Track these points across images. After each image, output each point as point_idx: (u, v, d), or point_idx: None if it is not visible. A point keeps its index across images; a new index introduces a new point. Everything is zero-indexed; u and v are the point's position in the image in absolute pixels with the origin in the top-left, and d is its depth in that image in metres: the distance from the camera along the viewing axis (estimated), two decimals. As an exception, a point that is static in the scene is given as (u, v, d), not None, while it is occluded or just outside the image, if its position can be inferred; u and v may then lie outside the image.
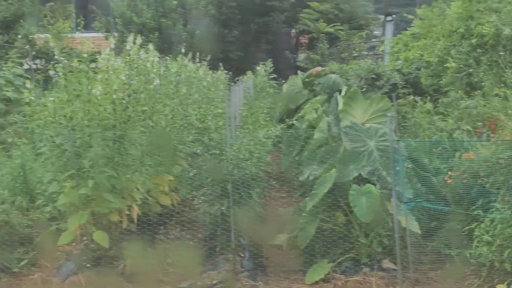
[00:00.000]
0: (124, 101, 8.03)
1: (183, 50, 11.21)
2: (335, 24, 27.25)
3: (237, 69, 24.21)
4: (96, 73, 8.25)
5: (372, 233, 7.96)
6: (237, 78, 20.01)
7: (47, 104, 8.18)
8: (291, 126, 13.49)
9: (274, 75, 22.48)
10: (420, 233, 7.59)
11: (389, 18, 23.84)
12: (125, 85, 8.05)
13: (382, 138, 8.17)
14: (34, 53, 22.48)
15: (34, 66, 21.98)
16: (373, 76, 14.38)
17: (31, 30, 23.16)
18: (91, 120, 7.90)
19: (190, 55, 11.71)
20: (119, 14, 26.33)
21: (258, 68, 22.73)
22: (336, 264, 7.95)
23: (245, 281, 7.97)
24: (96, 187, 7.74)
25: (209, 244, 8.58)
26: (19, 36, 22.65)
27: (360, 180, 8.00)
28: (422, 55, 14.29)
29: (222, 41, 26.86)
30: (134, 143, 8.20)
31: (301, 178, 9.12)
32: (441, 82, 12.61)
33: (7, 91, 16.35)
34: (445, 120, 10.20)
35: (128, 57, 8.38)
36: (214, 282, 7.92)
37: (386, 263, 7.89)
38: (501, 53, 11.46)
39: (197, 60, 12.92)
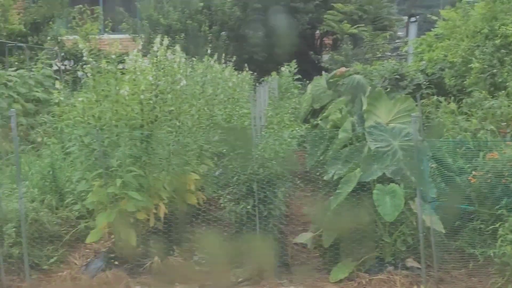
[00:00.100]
0: (151, 101, 8.06)
1: (209, 51, 11.23)
2: (359, 25, 27.16)
3: (262, 70, 24.23)
4: (124, 74, 8.29)
5: (396, 232, 7.93)
6: (262, 78, 20.04)
7: (76, 105, 8.21)
8: (315, 126, 13.45)
9: (299, 76, 22.46)
10: (444, 232, 7.54)
11: (412, 19, 23.69)
12: (152, 86, 8.07)
13: (406, 138, 8.13)
14: (63, 54, 22.66)
15: (62, 67, 22.16)
16: (397, 76, 14.32)
17: (60, 32, 23.32)
18: (119, 120, 7.94)
19: (215, 56, 11.72)
20: (146, 16, 26.48)
21: (282, 69, 22.73)
22: (360, 262, 7.93)
23: (270, 279, 7.98)
24: (124, 186, 7.78)
25: (234, 242, 8.57)
26: (48, 38, 22.83)
27: (384, 179, 7.96)
28: (446, 56, 14.19)
29: (247, 42, 26.89)
30: (161, 142, 8.22)
31: (325, 178, 9.10)
32: (465, 82, 12.52)
33: (37, 91, 16.49)
34: (469, 120, 10.12)
35: (155, 58, 8.40)
36: (240, 280, 7.93)
37: (410, 262, 7.85)
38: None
39: (223, 61, 12.93)
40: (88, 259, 8.51)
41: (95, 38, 23.10)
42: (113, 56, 8.03)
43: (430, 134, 9.95)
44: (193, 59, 11.29)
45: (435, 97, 12.22)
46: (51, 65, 20.03)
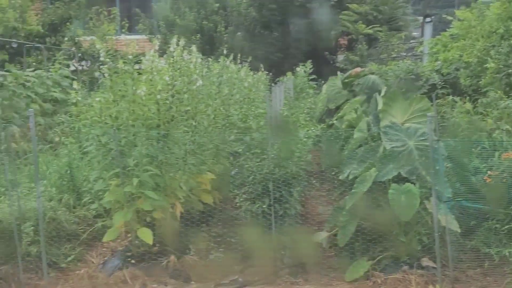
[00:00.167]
0: (167, 101, 8.07)
1: (224, 52, 11.23)
2: (374, 25, 27.08)
3: (277, 70, 24.20)
4: (140, 74, 8.31)
5: (411, 231, 7.91)
6: (277, 79, 20.02)
7: (93, 104, 8.25)
8: (331, 126, 13.44)
9: (314, 76, 22.44)
10: (459, 231, 7.51)
11: (428, 19, 23.60)
12: (169, 86, 8.09)
13: (422, 138, 8.11)
14: (80, 55, 22.75)
15: (80, 68, 22.24)
16: (412, 76, 14.26)
17: (77, 33, 23.42)
18: (136, 119, 7.96)
19: (231, 57, 11.73)
20: (162, 16, 26.54)
21: (298, 69, 22.72)
22: (375, 262, 7.91)
23: (285, 277, 7.98)
24: (141, 185, 7.80)
25: (250, 241, 8.57)
26: (66, 39, 22.93)
27: (400, 179, 7.94)
28: (461, 56, 14.13)
29: (263, 43, 26.88)
30: (178, 142, 8.24)
31: (341, 177, 9.09)
32: (480, 82, 12.46)
33: (55, 91, 16.57)
34: (484, 120, 10.08)
35: (171, 59, 8.41)
36: (255, 278, 7.94)
37: (426, 261, 7.82)
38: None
39: (239, 61, 12.93)
40: (105, 258, 8.54)
41: (112, 39, 23.21)
42: (130, 57, 8.05)
43: (446, 134, 9.92)
44: (209, 59, 11.30)
45: (451, 97, 12.17)
46: (68, 66, 20.11)
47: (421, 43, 23.07)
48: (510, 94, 10.91)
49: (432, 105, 9.17)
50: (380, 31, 26.92)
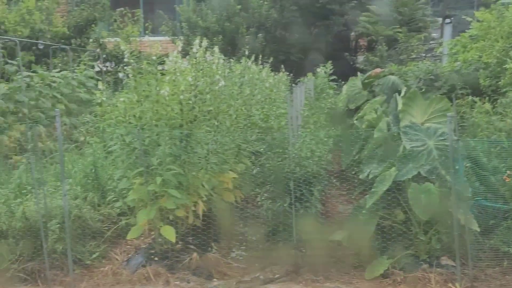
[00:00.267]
0: (190, 102, 8.08)
1: (246, 53, 11.24)
2: (394, 26, 26.97)
3: (298, 71, 24.16)
4: (164, 75, 8.34)
5: (431, 230, 7.87)
6: (298, 79, 19.99)
7: (117, 105, 8.28)
8: (351, 126, 13.42)
9: (334, 77, 22.39)
10: (478, 230, 7.47)
11: (447, 20, 23.50)
12: (192, 86, 8.10)
13: (441, 138, 8.07)
14: (104, 56, 22.88)
15: (104, 69, 22.38)
16: (432, 77, 14.19)
17: (101, 34, 23.57)
18: (159, 119, 7.99)
19: (253, 57, 11.73)
20: (185, 18, 26.59)
21: (318, 70, 22.67)
22: (395, 260, 7.88)
23: (306, 275, 7.97)
24: (164, 184, 7.82)
25: (271, 239, 8.58)
26: (91, 40, 23.07)
27: (419, 178, 7.91)
28: (480, 57, 14.05)
29: (284, 44, 26.87)
30: (200, 141, 8.25)
31: (361, 176, 9.07)
32: (499, 83, 12.38)
33: (80, 92, 16.68)
34: (504, 120, 10.01)
35: (194, 60, 8.43)
36: (276, 276, 7.94)
37: (445, 260, 7.78)
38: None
39: (260, 62, 12.93)
40: (129, 255, 8.57)
41: (135, 40, 23.25)
42: (154, 58, 8.08)
43: (465, 134, 9.88)
44: (231, 60, 11.31)
45: (470, 97, 12.11)
46: (93, 67, 20.27)
47: (440, 44, 22.93)
48: (529, 94, 10.84)
49: (451, 105, 9.13)
50: (400, 32, 26.81)
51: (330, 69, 22.12)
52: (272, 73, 15.35)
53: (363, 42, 30.21)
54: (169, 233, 7.92)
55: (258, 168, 9.25)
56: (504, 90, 11.93)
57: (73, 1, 26.83)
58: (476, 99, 11.66)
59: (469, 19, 16.42)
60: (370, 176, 8.59)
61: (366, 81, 15.82)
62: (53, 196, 8.63)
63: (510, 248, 7.51)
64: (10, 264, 7.96)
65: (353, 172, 10.52)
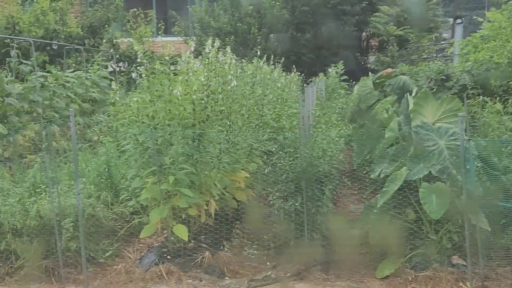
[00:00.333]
0: (203, 101, 8.08)
1: (258, 53, 11.25)
2: (405, 27, 26.92)
3: (309, 71, 24.21)
4: (176, 75, 8.35)
5: (442, 229, 7.85)
6: (309, 79, 20.01)
7: (130, 104, 8.30)
8: (362, 126, 13.39)
9: (345, 77, 22.38)
10: (489, 230, 7.44)
11: (458, 21, 23.42)
12: (204, 86, 8.10)
13: (452, 138, 8.04)
14: (117, 56, 22.94)
15: (117, 69, 22.44)
16: (443, 77, 14.14)
17: (115, 35, 23.63)
18: (172, 119, 7.99)
19: (264, 58, 11.73)
20: (197, 19, 26.66)
21: (329, 70, 22.67)
22: (406, 259, 7.86)
23: (317, 274, 7.96)
24: (176, 183, 7.82)
25: (283, 238, 8.57)
26: (104, 41, 23.16)
27: (430, 178, 7.89)
28: (491, 57, 13.99)
29: (295, 44, 26.88)
30: (212, 141, 8.26)
31: (372, 176, 9.05)
32: (510, 83, 12.33)
33: (93, 92, 16.74)
34: (514, 120, 10.00)
35: (206, 60, 8.44)
36: (288, 274, 7.93)
37: (456, 259, 7.75)
38: None
39: (272, 62, 12.92)
40: (142, 253, 8.58)
41: (148, 41, 23.39)
42: (166, 58, 8.09)
43: (476, 133, 9.84)
44: (243, 60, 11.31)
45: (481, 97, 12.06)
46: (106, 67, 20.36)
47: (451, 44, 22.85)
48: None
49: (462, 105, 9.10)
50: (411, 32, 26.76)
51: (342, 69, 22.14)
52: (284, 73, 15.36)
53: (374, 42, 30.20)
54: (182, 231, 7.93)
55: (270, 168, 9.23)
56: (515, 90, 11.89)
57: (87, 2, 26.94)
58: (487, 99, 11.62)
59: (480, 19, 16.37)
60: (382, 176, 8.57)
61: (377, 81, 15.76)
62: (67, 195, 8.66)
63: (521, 247, 7.48)
64: (25, 262, 8.00)
65: (365, 172, 10.50)
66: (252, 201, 9.55)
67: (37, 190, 9.02)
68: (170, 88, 7.93)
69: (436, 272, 7.53)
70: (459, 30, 23.08)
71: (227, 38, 23.77)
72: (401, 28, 26.82)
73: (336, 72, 22.10)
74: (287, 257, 8.27)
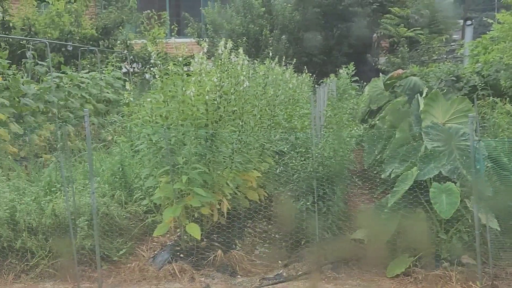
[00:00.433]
0: (215, 102, 8.09)
1: (270, 54, 11.24)
2: (415, 28, 26.86)
3: (320, 72, 24.20)
4: (189, 75, 8.35)
5: (452, 229, 7.82)
6: (320, 80, 19.99)
7: (144, 105, 8.32)
8: (373, 126, 13.37)
9: (356, 78, 22.34)
10: (499, 229, 7.41)
11: (468, 22, 23.37)
12: (217, 87, 8.10)
13: (463, 138, 8.02)
14: (131, 57, 23.00)
15: (131, 70, 22.49)
16: (453, 78, 14.10)
17: (129, 36, 23.70)
18: (185, 119, 8.00)
19: (276, 59, 11.72)
20: (210, 20, 26.70)
21: (340, 71, 22.64)
22: (416, 258, 7.84)
23: (328, 273, 7.94)
24: (189, 182, 7.83)
25: (294, 237, 8.56)
26: (118, 42, 23.23)
27: (441, 178, 7.86)
28: (501, 58, 13.94)
29: (307, 45, 26.85)
30: (225, 141, 8.27)
31: (383, 176, 9.04)
32: (520, 84, 12.32)
33: (107, 92, 16.80)
34: (525, 121, 9.96)
35: (219, 61, 8.45)
36: (299, 273, 7.92)
37: (466, 259, 7.72)
38: None
39: (283, 63, 12.92)
40: (155, 252, 8.59)
41: (162, 42, 23.46)
42: (180, 59, 8.09)
43: (486, 134, 9.80)
44: (255, 61, 11.32)
45: (491, 98, 12.01)
46: (120, 68, 20.43)
47: (461, 45, 22.78)
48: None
49: (473, 106, 9.07)
50: (421, 34, 26.68)
51: (352, 70, 22.08)
52: (295, 74, 15.35)
53: (385, 43, 30.13)
54: (194, 230, 7.93)
55: (281, 167, 9.23)
56: (525, 91, 11.85)
57: (101, 4, 26.99)
58: (497, 100, 11.58)
59: (490, 21, 16.32)
60: (392, 176, 8.56)
61: (388, 82, 15.73)
62: (81, 193, 8.68)
63: (531, 247, 7.44)
64: (40, 259, 8.03)
65: (375, 172, 10.48)
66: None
67: (52, 189, 9.05)
68: (183, 89, 7.93)
69: (446, 271, 7.50)
70: (469, 31, 23.03)
71: (239, 40, 23.79)
72: (412, 29, 26.75)
73: (347, 73, 22.06)
74: (298, 256, 8.26)
